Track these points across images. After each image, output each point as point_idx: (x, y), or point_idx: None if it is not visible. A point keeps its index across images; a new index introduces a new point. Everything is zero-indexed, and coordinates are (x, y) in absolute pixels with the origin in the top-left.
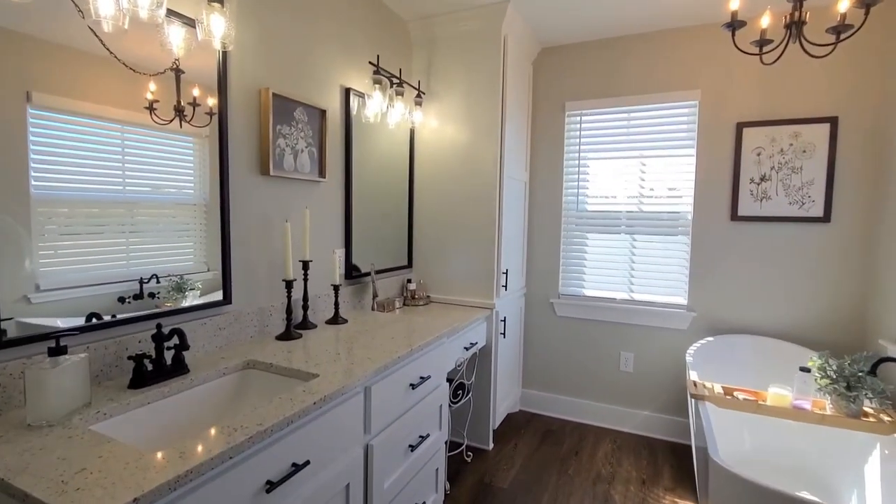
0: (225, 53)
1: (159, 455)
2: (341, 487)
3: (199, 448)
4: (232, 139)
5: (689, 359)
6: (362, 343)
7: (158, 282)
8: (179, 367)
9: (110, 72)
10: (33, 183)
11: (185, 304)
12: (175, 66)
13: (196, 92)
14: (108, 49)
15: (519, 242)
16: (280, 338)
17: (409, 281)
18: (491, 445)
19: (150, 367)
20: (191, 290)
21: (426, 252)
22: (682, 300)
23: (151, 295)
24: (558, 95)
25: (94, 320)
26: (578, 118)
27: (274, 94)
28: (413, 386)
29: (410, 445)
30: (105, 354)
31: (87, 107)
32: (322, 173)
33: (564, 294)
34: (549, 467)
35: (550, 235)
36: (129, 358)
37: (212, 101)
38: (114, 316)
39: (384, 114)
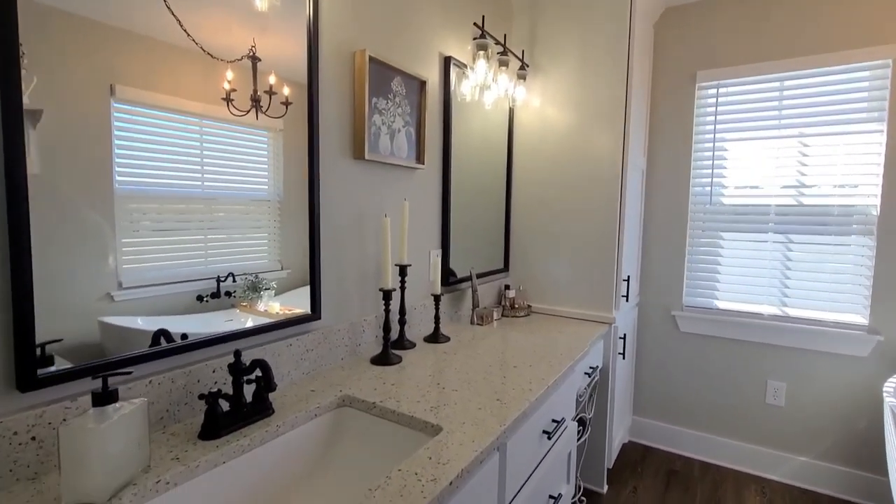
0: (316, 8)
1: None
2: None
3: None
4: (322, 116)
5: (888, 399)
6: (476, 370)
7: (235, 280)
8: (261, 407)
9: (188, 61)
10: (117, 178)
11: (261, 305)
12: (251, 53)
13: (272, 79)
14: (185, 32)
15: (634, 243)
16: (376, 361)
17: (506, 287)
18: (605, 488)
19: (226, 407)
20: (266, 289)
21: (525, 254)
22: (862, 319)
23: (228, 294)
24: (688, 63)
25: (162, 341)
26: (714, 90)
27: (371, 59)
28: (547, 434)
29: None
30: (172, 390)
31: (167, 100)
32: (420, 158)
33: (690, 306)
34: None
35: (673, 234)
36: (202, 396)
37: (287, 91)
38: (185, 336)
39: (484, 89)
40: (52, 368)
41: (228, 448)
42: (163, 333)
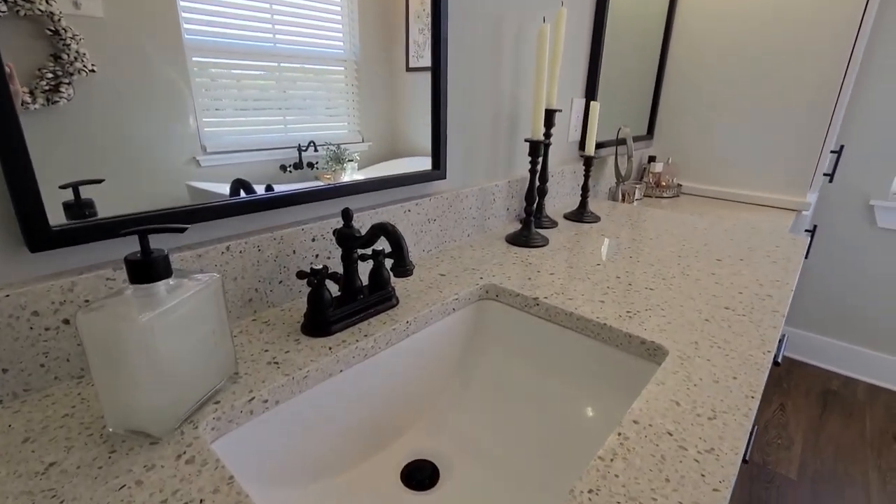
0: None
1: None
2: None
3: None
4: None
5: None
6: (663, 262)
7: (316, 150)
8: (383, 295)
9: None
10: (184, 26)
11: (345, 177)
12: None
13: None
14: None
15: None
16: (515, 241)
17: (651, 160)
18: None
19: (335, 292)
20: (349, 161)
21: (680, 116)
22: None
23: (310, 165)
24: None
25: (242, 193)
26: None
27: None
28: (776, 362)
29: None
30: (259, 261)
31: None
32: None
33: None
34: (856, 457)
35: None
36: (302, 275)
37: None
38: (269, 188)
39: None
40: (76, 223)
41: (346, 351)
42: (241, 185)
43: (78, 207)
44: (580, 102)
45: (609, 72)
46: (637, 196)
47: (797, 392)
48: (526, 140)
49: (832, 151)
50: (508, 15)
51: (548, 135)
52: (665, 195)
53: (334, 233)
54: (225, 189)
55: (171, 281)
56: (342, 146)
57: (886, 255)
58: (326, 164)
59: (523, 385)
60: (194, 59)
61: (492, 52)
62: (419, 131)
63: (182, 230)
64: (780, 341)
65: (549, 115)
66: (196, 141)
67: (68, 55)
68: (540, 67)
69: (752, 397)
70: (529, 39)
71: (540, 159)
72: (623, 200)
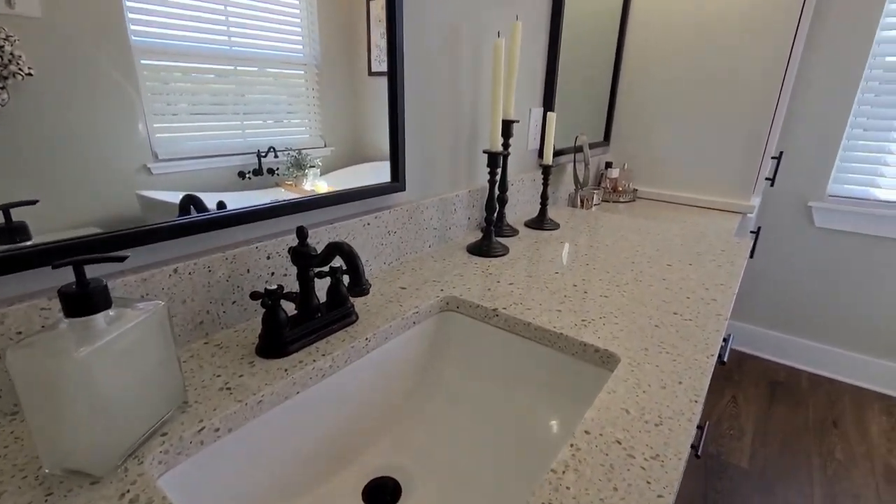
0: None
1: None
2: None
3: None
4: None
5: None
6: (617, 268)
7: (276, 156)
8: (341, 312)
9: None
10: (131, 27)
11: (307, 184)
12: None
13: None
14: None
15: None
16: (476, 251)
17: (608, 165)
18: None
19: (290, 310)
20: (311, 167)
21: (635, 123)
22: None
23: (271, 171)
24: None
25: (192, 210)
26: None
27: None
28: (721, 360)
29: None
30: (211, 283)
31: None
32: None
33: (836, 196)
34: (801, 443)
35: (832, 100)
36: (255, 296)
37: None
38: (221, 206)
39: None
40: (4, 251)
41: (303, 372)
42: (192, 202)
43: (9, 233)
44: (538, 112)
45: (566, 80)
46: (595, 201)
47: (747, 383)
48: (485, 151)
49: (773, 157)
50: (465, 26)
51: (506, 145)
52: (622, 200)
53: (289, 251)
54: (179, 197)
55: (111, 312)
56: (303, 151)
57: (824, 253)
58: (287, 170)
59: (484, 397)
60: (143, 61)
61: (450, 61)
62: (383, 135)
63: (121, 259)
64: (726, 341)
65: (507, 126)
66: (147, 148)
67: (1, 58)
68: (496, 80)
69: (696, 401)
70: (487, 50)
71: (499, 170)
72: (582, 206)
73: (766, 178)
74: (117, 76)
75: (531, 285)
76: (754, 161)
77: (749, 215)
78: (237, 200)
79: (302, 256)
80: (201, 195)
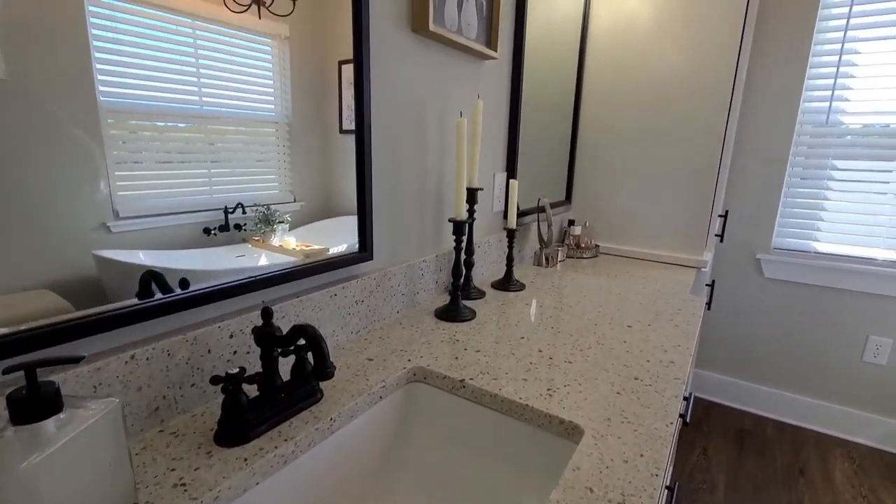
0: None
1: None
2: None
3: None
4: None
5: None
6: (581, 331)
7: (244, 212)
8: (305, 391)
9: None
10: (100, 88)
11: (275, 240)
12: None
13: None
14: None
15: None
16: (444, 316)
17: (571, 223)
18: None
19: (253, 392)
20: (280, 222)
21: (593, 183)
22: None
23: (238, 227)
24: None
25: (153, 289)
26: None
27: None
28: (683, 419)
29: None
30: (169, 367)
31: None
32: (492, 43)
33: (781, 248)
34: (770, 495)
35: (770, 161)
36: (216, 381)
37: None
38: (185, 284)
39: None
40: None
41: (263, 460)
42: (153, 277)
43: None
44: (502, 176)
45: (528, 143)
46: (560, 258)
47: (716, 433)
48: (450, 220)
49: (720, 215)
50: (431, 101)
51: (471, 211)
52: (585, 256)
53: (253, 331)
54: (139, 256)
55: (61, 415)
56: (272, 207)
57: (775, 302)
58: (255, 225)
59: (453, 473)
60: (110, 120)
61: (416, 131)
62: (353, 189)
63: (77, 360)
64: (687, 399)
65: (472, 194)
66: (107, 206)
67: None
68: (460, 154)
69: (657, 475)
70: (452, 120)
71: (464, 237)
72: (547, 263)
73: (716, 235)
74: (81, 135)
75: (498, 352)
76: (704, 219)
77: (703, 269)
78: (201, 257)
79: (266, 337)
80: (169, 253)
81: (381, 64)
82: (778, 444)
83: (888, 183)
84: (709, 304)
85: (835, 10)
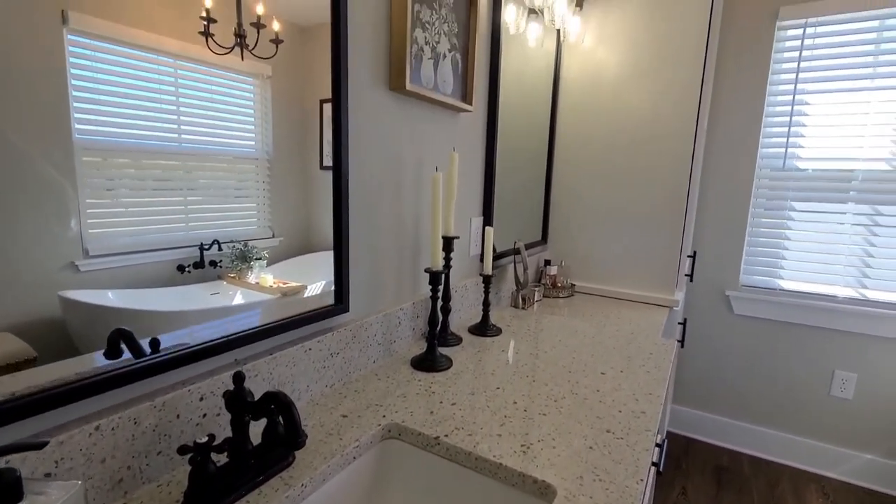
0: None
1: None
2: None
3: None
4: (352, 26)
5: None
6: (555, 380)
7: (220, 249)
8: (276, 455)
9: None
10: (76, 126)
11: (252, 277)
12: None
13: (260, 9)
14: None
15: (690, 213)
16: (420, 365)
17: (547, 263)
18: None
19: (222, 460)
20: (257, 259)
21: (567, 224)
22: None
23: (213, 263)
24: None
25: (123, 348)
26: (799, 31)
27: None
28: (657, 467)
29: None
30: (135, 435)
31: (133, 34)
32: (467, 98)
33: (748, 286)
34: None
35: (734, 203)
36: (183, 450)
37: (278, 26)
38: (155, 345)
39: (530, 17)
40: None
41: None
42: (122, 336)
43: None
44: (478, 221)
45: (505, 186)
46: (537, 297)
47: (695, 471)
48: (426, 270)
49: (688, 256)
50: (408, 153)
51: (448, 258)
52: (561, 295)
53: (224, 395)
54: (108, 297)
55: None
56: (249, 244)
57: (744, 338)
58: (231, 262)
59: None
60: (84, 158)
61: (394, 182)
62: (332, 224)
63: (41, 446)
64: (660, 446)
65: (448, 243)
66: (77, 244)
67: None
68: (435, 206)
69: None
70: (428, 171)
71: (441, 286)
72: (524, 304)
73: (686, 275)
74: (52, 172)
75: (474, 404)
76: (673, 259)
77: (675, 308)
78: (174, 295)
79: (238, 402)
80: (140, 292)
81: (359, 119)
82: (754, 480)
83: (843, 224)
84: (681, 342)
85: (785, 65)
